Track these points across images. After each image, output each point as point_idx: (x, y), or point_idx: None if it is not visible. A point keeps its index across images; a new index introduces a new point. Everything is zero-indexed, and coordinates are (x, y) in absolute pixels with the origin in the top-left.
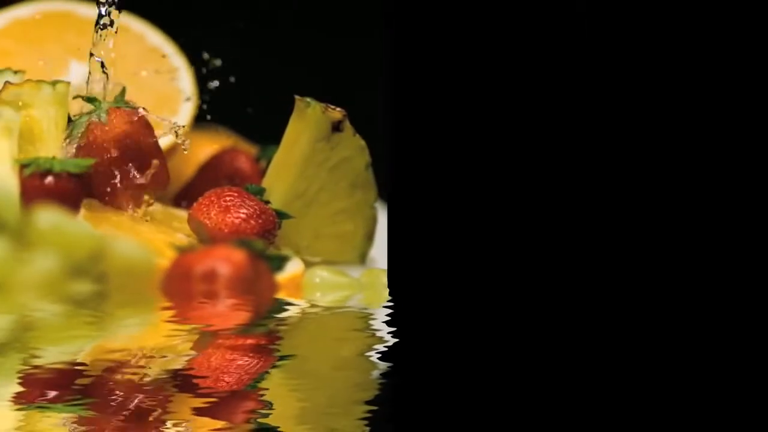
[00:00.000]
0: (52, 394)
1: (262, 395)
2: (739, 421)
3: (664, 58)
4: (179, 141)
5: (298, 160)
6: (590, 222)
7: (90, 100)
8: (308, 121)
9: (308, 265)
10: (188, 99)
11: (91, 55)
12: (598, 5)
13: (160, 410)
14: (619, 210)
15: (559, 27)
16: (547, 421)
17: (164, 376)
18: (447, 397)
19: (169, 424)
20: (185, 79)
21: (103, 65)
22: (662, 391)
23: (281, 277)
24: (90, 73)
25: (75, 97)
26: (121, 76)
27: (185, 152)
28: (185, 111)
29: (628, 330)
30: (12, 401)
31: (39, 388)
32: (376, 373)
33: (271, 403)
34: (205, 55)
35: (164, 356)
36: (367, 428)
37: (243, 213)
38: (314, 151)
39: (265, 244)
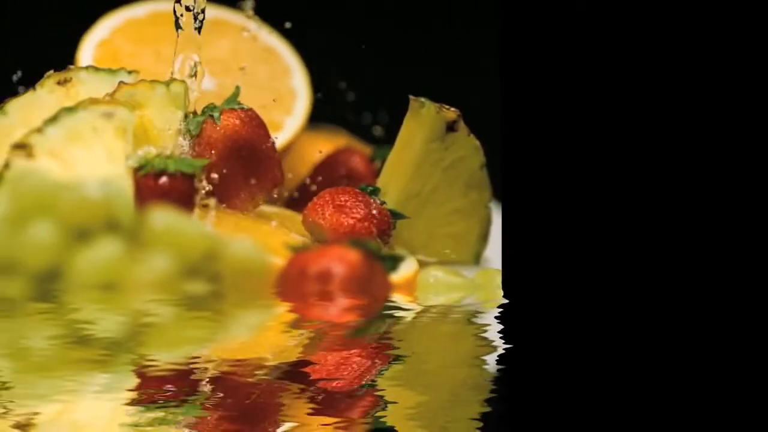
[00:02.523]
0: (166, 394)
1: (377, 394)
2: None
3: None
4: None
5: (412, 160)
6: (705, 224)
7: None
8: (423, 121)
9: (423, 265)
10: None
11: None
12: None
13: (275, 410)
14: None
15: (673, 28)
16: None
17: (280, 376)
18: (561, 398)
19: (284, 423)
20: (299, 79)
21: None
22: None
23: (395, 277)
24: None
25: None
26: (235, 75)
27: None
28: (299, 110)
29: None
30: (127, 401)
31: (154, 388)
32: (490, 373)
33: (385, 402)
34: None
35: (279, 356)
36: (481, 427)
37: (358, 213)
38: (428, 151)
39: (379, 244)
